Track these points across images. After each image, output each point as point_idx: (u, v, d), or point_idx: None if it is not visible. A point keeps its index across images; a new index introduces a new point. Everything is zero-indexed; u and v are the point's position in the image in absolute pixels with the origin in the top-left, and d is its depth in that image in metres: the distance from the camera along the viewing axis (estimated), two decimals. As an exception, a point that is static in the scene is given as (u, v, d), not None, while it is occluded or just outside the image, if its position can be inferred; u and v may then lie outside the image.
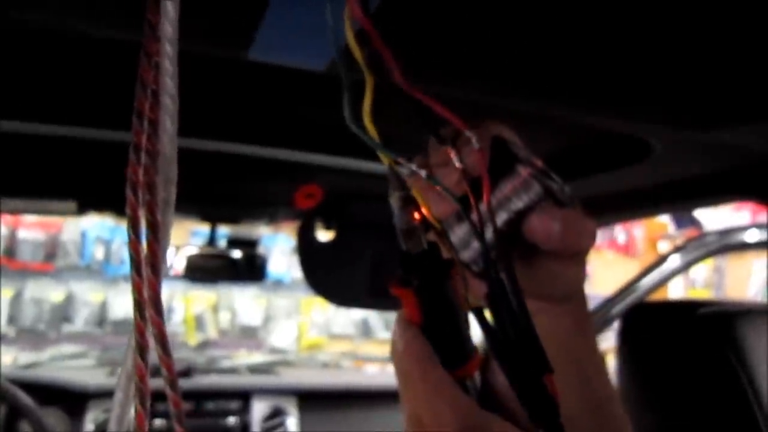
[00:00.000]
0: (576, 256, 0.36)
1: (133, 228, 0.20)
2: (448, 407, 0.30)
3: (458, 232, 0.35)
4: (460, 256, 0.35)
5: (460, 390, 0.31)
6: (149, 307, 0.20)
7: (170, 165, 0.21)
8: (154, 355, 0.22)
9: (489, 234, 0.33)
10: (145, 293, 0.20)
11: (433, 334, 0.32)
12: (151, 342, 0.21)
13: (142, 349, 0.20)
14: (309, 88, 0.60)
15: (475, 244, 0.35)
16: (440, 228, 0.33)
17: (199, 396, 1.75)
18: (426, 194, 0.32)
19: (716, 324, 0.69)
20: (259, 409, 1.81)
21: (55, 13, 0.34)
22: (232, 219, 1.21)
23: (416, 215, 0.31)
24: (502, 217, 0.34)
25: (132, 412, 0.21)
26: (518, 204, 0.34)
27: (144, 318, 0.20)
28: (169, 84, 0.20)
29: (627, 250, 3.51)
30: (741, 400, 0.65)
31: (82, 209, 1.05)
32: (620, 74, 0.43)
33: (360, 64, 0.28)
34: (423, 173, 0.31)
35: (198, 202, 1.08)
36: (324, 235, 1.04)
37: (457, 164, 0.33)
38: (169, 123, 0.20)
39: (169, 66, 0.20)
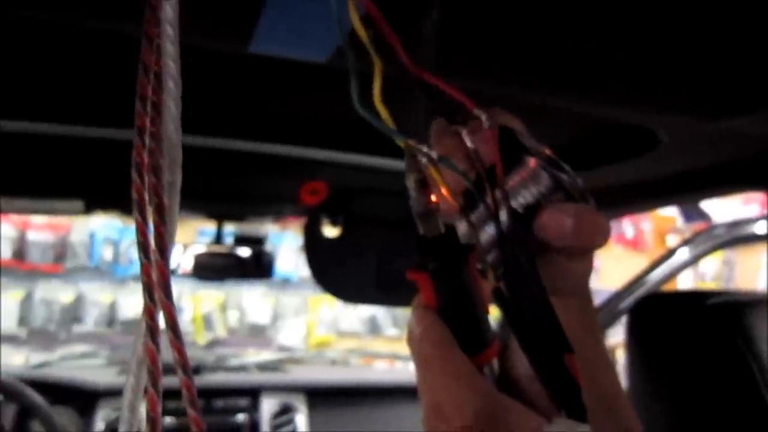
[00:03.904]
0: (586, 252, 0.35)
1: (140, 211, 0.20)
2: (467, 391, 0.29)
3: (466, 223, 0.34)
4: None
5: (479, 374, 0.30)
6: (158, 290, 0.20)
7: (175, 147, 0.21)
8: (166, 356, 0.21)
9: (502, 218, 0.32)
10: (154, 276, 0.20)
11: (450, 319, 0.31)
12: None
13: (152, 332, 0.20)
14: (311, 83, 0.60)
15: (485, 232, 0.34)
16: (461, 205, 0.32)
17: (209, 394, 1.76)
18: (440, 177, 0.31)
19: (725, 314, 0.69)
20: (268, 406, 1.81)
21: (55, 8, 0.34)
22: (238, 216, 1.21)
23: (433, 197, 0.30)
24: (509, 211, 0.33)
25: (143, 407, 0.21)
26: (527, 196, 0.33)
27: (153, 300, 0.20)
28: (171, 66, 0.20)
29: (635, 244, 3.49)
30: (751, 389, 0.64)
31: (89, 209, 1.06)
32: (626, 65, 0.43)
33: (367, 47, 0.27)
34: (434, 154, 0.30)
35: (204, 199, 1.08)
36: (330, 231, 1.04)
37: (469, 144, 0.32)
38: (172, 105, 0.20)
39: (171, 48, 0.20)
